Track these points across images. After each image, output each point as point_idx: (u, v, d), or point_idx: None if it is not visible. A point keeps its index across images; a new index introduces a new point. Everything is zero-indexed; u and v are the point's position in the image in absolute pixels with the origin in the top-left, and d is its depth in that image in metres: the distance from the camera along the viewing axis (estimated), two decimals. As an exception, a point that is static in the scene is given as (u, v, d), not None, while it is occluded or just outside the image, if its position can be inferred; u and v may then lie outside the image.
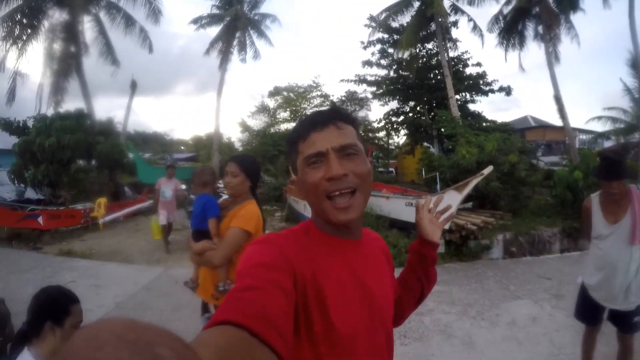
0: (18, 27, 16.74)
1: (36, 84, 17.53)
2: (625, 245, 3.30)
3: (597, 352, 3.91)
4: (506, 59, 21.81)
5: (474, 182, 8.21)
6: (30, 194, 15.33)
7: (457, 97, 22.14)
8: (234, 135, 46.30)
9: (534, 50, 25.43)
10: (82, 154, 15.81)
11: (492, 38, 20.00)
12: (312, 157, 1.11)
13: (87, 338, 0.35)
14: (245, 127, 30.36)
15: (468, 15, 20.11)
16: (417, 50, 23.88)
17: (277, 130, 30.66)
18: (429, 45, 24.25)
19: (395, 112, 27.88)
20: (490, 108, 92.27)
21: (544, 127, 36.69)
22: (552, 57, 18.53)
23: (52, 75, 17.48)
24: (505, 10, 19.92)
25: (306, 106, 32.98)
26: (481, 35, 20.32)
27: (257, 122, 32.23)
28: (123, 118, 22.75)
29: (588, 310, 3.70)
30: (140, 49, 20.56)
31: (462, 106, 23.78)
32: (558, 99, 17.76)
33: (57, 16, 17.61)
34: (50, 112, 16.68)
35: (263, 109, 32.97)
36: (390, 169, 31.71)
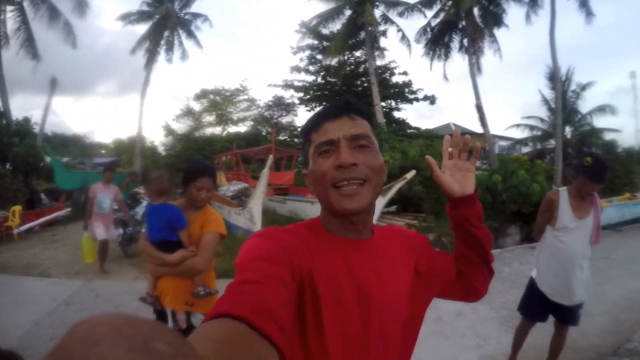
0: None
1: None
2: (586, 242, 3.51)
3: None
4: (431, 69, 22.65)
5: (397, 186, 8.42)
6: None
7: (383, 104, 22.74)
8: (157, 139, 45.19)
9: (458, 61, 26.59)
10: (-5, 156, 14.64)
11: (419, 48, 20.63)
12: (323, 145, 1.09)
13: (83, 333, 0.35)
14: (169, 131, 29.64)
15: (397, 26, 20.73)
16: (346, 58, 24.32)
17: (202, 134, 30.21)
18: (357, 53, 24.80)
19: (322, 118, 28.17)
20: (415, 115, 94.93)
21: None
22: (475, 69, 19.56)
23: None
24: (433, 23, 20.78)
25: (232, 110, 32.72)
26: (409, 45, 20.98)
27: (181, 126, 31.66)
28: (41, 118, 21.54)
29: (535, 306, 3.80)
30: (63, 44, 19.59)
31: (388, 113, 24.48)
32: (479, 108, 18.70)
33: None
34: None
35: (188, 112, 32.42)
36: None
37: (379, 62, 23.88)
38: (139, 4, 23.42)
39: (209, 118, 32.78)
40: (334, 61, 22.18)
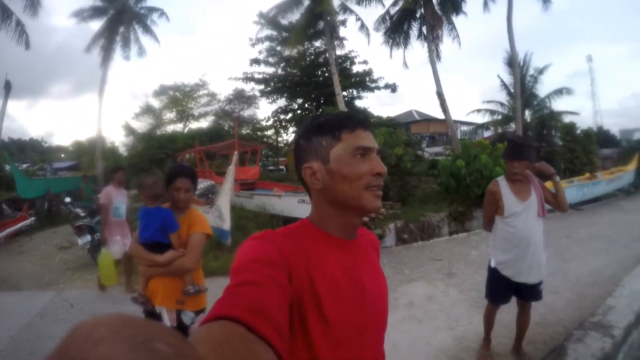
0: None
1: None
2: (535, 219, 3.65)
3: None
4: (391, 57, 22.74)
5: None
6: None
7: (344, 93, 22.83)
8: (118, 139, 44.37)
9: (417, 48, 26.82)
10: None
11: (378, 37, 20.68)
12: (361, 149, 1.16)
13: (85, 333, 0.35)
14: (130, 130, 29.16)
15: (356, 15, 20.63)
16: (305, 48, 24.27)
17: (164, 132, 29.77)
18: (317, 43, 24.71)
19: (284, 110, 28.12)
20: (376, 103, 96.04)
21: (427, 120, 38.83)
22: (435, 56, 19.69)
23: None
24: (392, 11, 20.82)
25: (193, 105, 32.36)
26: (368, 34, 20.93)
27: (142, 124, 31.16)
28: (-4, 124, 20.87)
29: (501, 291, 3.93)
30: (15, 45, 18.59)
31: (349, 102, 24.59)
32: (440, 95, 18.89)
33: None
34: None
35: (148, 109, 31.92)
36: (281, 167, 31.71)
37: (339, 52, 23.84)
38: (92, -1, 22.60)
39: (170, 115, 32.39)
40: (293, 52, 22.07)
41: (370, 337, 1.16)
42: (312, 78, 25.54)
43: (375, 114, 24.56)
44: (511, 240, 3.70)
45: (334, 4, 18.76)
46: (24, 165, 26.22)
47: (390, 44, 21.40)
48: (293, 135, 29.05)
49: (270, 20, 22.05)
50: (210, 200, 10.36)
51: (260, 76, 26.57)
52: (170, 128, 31.73)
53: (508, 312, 4.35)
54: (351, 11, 20.71)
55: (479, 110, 25.68)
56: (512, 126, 22.02)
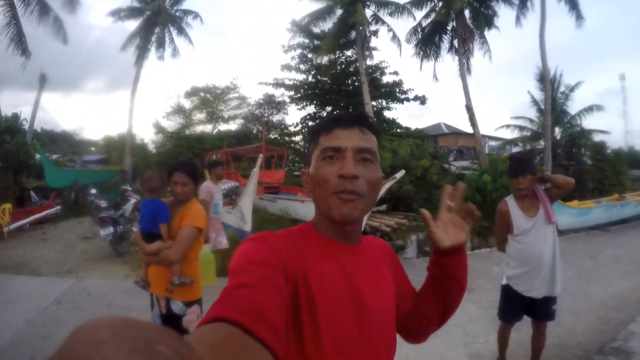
0: None
1: None
2: (545, 232, 3.64)
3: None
4: (421, 69, 22.65)
5: (388, 185, 8.44)
6: None
7: (374, 103, 22.78)
8: (147, 136, 44.79)
9: (448, 61, 26.68)
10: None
11: (409, 48, 20.69)
12: (330, 150, 1.12)
13: (86, 335, 0.35)
14: (160, 129, 29.35)
15: (388, 25, 20.67)
16: (336, 57, 24.32)
17: (193, 132, 30.00)
18: (348, 53, 24.71)
19: (312, 117, 28.11)
20: (405, 114, 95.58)
21: (456, 133, 38.53)
22: (465, 69, 19.59)
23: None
24: (424, 23, 20.82)
25: (223, 108, 32.56)
26: (399, 45, 20.94)
27: (172, 124, 31.36)
28: (30, 114, 21.35)
29: (513, 309, 3.94)
30: (52, 40, 19.30)
31: (378, 112, 24.51)
32: (469, 108, 18.77)
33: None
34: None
35: (179, 109, 32.18)
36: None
37: (369, 62, 23.91)
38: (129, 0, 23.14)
39: (200, 116, 32.60)
40: (324, 60, 22.18)
41: (373, 346, 1.09)
42: (342, 87, 25.57)
43: (404, 125, 24.45)
44: (523, 257, 3.72)
45: (366, 14, 18.78)
46: (55, 156, 26.56)
47: (421, 56, 21.39)
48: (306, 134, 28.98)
49: (302, 28, 22.18)
50: (234, 201, 10.44)
51: (291, 82, 26.69)
52: (199, 129, 31.87)
53: (526, 332, 4.28)
54: (383, 22, 20.75)
55: (508, 126, 25.38)
56: (542, 143, 21.67)
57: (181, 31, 24.07)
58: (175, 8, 24.03)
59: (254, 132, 30.80)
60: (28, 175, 16.73)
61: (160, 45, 23.82)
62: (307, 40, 24.44)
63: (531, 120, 24.50)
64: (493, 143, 37.18)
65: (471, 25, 19.30)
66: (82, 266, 8.33)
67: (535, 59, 19.70)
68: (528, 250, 3.67)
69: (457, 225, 1.27)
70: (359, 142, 1.13)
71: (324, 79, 25.41)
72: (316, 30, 22.23)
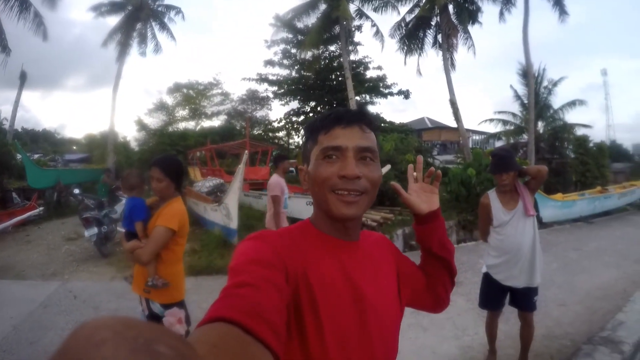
0: None
1: None
2: (524, 223, 3.76)
3: (498, 331, 4.23)
4: (405, 64, 22.67)
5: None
6: None
7: (357, 98, 22.84)
8: (130, 134, 44.34)
9: (432, 56, 26.81)
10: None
11: (393, 43, 20.75)
12: (330, 149, 1.10)
13: (86, 335, 0.34)
14: (142, 126, 29.08)
15: (372, 20, 20.63)
16: (320, 52, 24.30)
17: (176, 129, 29.83)
18: (332, 48, 24.80)
19: (296, 112, 28.27)
20: (389, 109, 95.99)
21: (439, 128, 38.80)
22: (449, 64, 19.64)
23: None
24: (408, 18, 20.82)
25: (206, 104, 32.43)
26: (382, 40, 20.93)
27: (154, 120, 31.18)
28: (10, 114, 21.01)
29: (493, 297, 4.02)
30: (32, 36, 18.85)
31: (362, 107, 24.49)
32: (453, 103, 18.85)
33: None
34: None
35: (161, 106, 31.99)
36: (291, 169, 31.77)
37: (353, 57, 23.91)
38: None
39: (182, 112, 32.44)
40: (308, 55, 22.11)
41: (374, 342, 1.09)
42: (326, 82, 25.64)
43: (388, 120, 24.51)
44: (502, 247, 3.85)
45: (350, 9, 18.76)
46: (36, 156, 26.16)
47: (404, 51, 21.40)
48: (304, 131, 29.14)
49: (286, 23, 22.11)
50: (219, 198, 10.37)
51: (274, 78, 26.79)
52: (182, 125, 31.74)
53: (515, 323, 4.32)
54: (367, 17, 20.73)
55: (491, 120, 25.52)
56: (525, 137, 21.86)
57: (163, 27, 23.84)
58: (157, 3, 23.82)
59: (238, 128, 30.73)
60: (9, 177, 16.33)
61: (142, 41, 23.54)
62: (290, 35, 24.51)
63: (514, 115, 24.67)
64: (477, 137, 37.50)
65: (455, 21, 19.36)
66: (67, 268, 8.17)
67: (519, 54, 19.91)
68: (507, 241, 3.80)
69: (427, 190, 1.38)
70: (360, 142, 1.12)
71: (307, 74, 25.42)
72: (300, 25, 22.17)
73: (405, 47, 21.28)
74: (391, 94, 25.61)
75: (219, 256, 8.07)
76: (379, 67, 25.47)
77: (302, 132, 28.62)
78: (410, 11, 20.58)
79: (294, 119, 28.49)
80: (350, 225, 1.16)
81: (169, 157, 3.41)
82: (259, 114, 32.51)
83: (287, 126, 29.14)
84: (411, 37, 21.07)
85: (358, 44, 24.50)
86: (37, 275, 7.79)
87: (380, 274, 1.21)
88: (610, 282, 6.84)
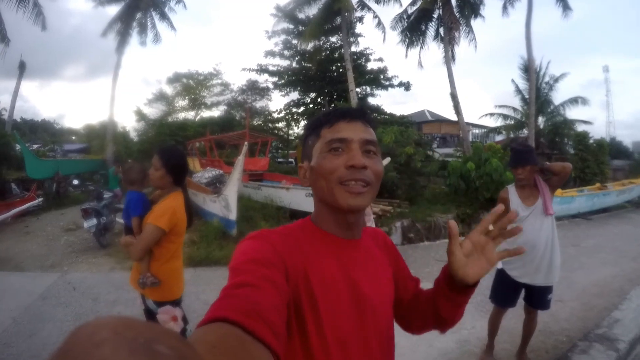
0: None
1: None
2: (542, 222, 3.75)
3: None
4: (407, 56, 22.60)
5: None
6: None
7: (358, 90, 22.73)
8: (129, 124, 44.18)
9: (433, 49, 26.76)
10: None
11: (394, 35, 20.66)
12: (336, 141, 1.11)
13: (85, 335, 0.34)
14: (141, 116, 28.84)
15: (374, 12, 20.55)
16: (321, 43, 24.20)
17: (175, 119, 29.70)
18: (333, 39, 24.69)
19: (296, 103, 28.17)
20: (389, 101, 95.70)
21: (440, 121, 38.76)
22: (450, 57, 19.57)
23: None
24: (410, 10, 20.73)
25: (205, 94, 32.30)
26: (384, 32, 20.84)
27: (154, 111, 31.01)
28: (9, 104, 20.96)
29: (507, 293, 4.01)
30: (31, 26, 18.69)
31: (362, 99, 24.51)
32: (454, 96, 18.82)
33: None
34: None
35: (161, 96, 31.85)
36: (290, 160, 31.68)
37: (354, 49, 23.84)
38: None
39: (182, 103, 32.31)
40: (309, 46, 21.99)
41: (373, 341, 1.10)
42: (327, 73, 25.54)
43: (388, 112, 24.43)
44: (516, 243, 3.69)
45: (352, 0, 18.67)
46: (35, 146, 26.00)
47: (406, 43, 21.33)
48: (304, 128, 29.11)
49: (287, 13, 22.02)
50: (218, 189, 10.35)
51: (275, 68, 26.65)
52: (181, 115, 31.61)
53: (512, 317, 4.37)
54: (369, 8, 20.64)
55: (492, 114, 25.57)
56: (525, 132, 21.89)
57: (164, 16, 23.54)
58: (157, -8, 23.43)
59: (237, 118, 30.63)
60: (8, 167, 16.21)
61: (142, 30, 23.21)
62: (291, 26, 24.38)
63: (515, 109, 24.73)
64: (477, 131, 37.44)
65: (457, 14, 19.29)
66: (66, 260, 8.14)
67: (521, 48, 19.89)
68: (523, 238, 3.70)
69: (484, 252, 1.10)
70: (364, 135, 1.13)
71: (308, 65, 25.30)
72: (301, 15, 22.12)
73: (407, 40, 21.22)
74: (392, 85, 25.50)
75: (218, 247, 8.08)
76: (380, 59, 25.34)
77: (302, 123, 28.65)
78: (413, 3, 20.50)
79: (294, 110, 28.38)
80: (353, 221, 1.15)
81: (172, 149, 3.36)
82: (259, 104, 32.36)
83: (287, 117, 29.03)
84: (413, 29, 20.98)
85: (359, 35, 24.45)
86: (36, 266, 7.77)
87: (380, 273, 1.21)
88: (607, 279, 6.87)
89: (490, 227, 1.10)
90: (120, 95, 55.64)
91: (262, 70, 26.78)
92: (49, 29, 19.11)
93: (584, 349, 3.97)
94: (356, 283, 1.09)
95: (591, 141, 19.10)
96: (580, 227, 11.80)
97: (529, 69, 19.79)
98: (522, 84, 22.97)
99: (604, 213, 14.29)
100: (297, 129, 30.45)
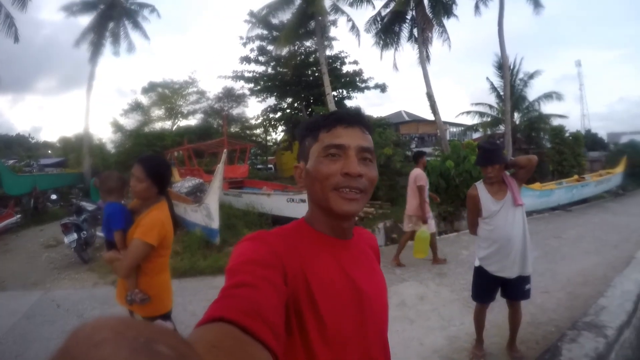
0: None
1: None
2: (514, 215, 3.79)
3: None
4: (381, 58, 22.71)
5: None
6: None
7: (334, 93, 22.78)
8: (105, 135, 43.83)
9: (408, 50, 26.93)
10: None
11: (369, 38, 20.77)
12: (333, 147, 1.12)
13: (86, 335, 0.34)
14: (118, 127, 28.72)
15: (347, 15, 20.55)
16: (296, 48, 24.21)
17: (152, 129, 29.50)
18: (308, 43, 24.66)
19: (273, 109, 28.15)
20: (365, 104, 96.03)
21: (417, 121, 38.89)
22: (425, 58, 19.65)
23: None
24: (383, 13, 20.78)
25: (182, 103, 32.12)
26: (358, 35, 20.87)
27: (130, 121, 30.71)
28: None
29: (486, 289, 4.05)
30: (3, 38, 17.82)
31: (339, 102, 24.56)
32: (430, 96, 18.90)
33: None
34: None
35: (136, 106, 31.57)
36: (269, 166, 31.68)
37: (329, 52, 23.90)
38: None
39: (158, 112, 32.05)
40: (284, 51, 21.95)
41: (371, 339, 1.13)
42: (302, 77, 25.54)
43: (366, 114, 24.54)
44: (492, 238, 3.87)
45: (325, 4, 18.70)
46: (10, 162, 25.57)
47: (380, 45, 21.36)
48: (282, 134, 29.12)
49: (261, 19, 21.94)
50: (199, 198, 10.26)
51: (250, 75, 26.50)
52: (158, 125, 31.36)
53: (499, 311, 4.42)
54: (342, 12, 20.65)
55: (468, 112, 25.74)
56: (502, 128, 22.13)
57: (137, 25, 23.35)
58: (130, 1, 23.35)
59: (215, 126, 30.47)
60: (-16, 185, 15.77)
61: (115, 40, 22.96)
62: (266, 32, 24.29)
63: (491, 106, 24.93)
64: (454, 129, 37.68)
65: (430, 14, 19.35)
66: (48, 277, 7.96)
67: (495, 46, 20.06)
68: (497, 232, 3.82)
69: None
70: (361, 142, 1.14)
71: (283, 70, 25.26)
72: (275, 21, 22.04)
73: (381, 42, 21.25)
74: (368, 88, 25.62)
75: (202, 257, 7.99)
76: (355, 62, 25.46)
77: (279, 129, 28.66)
78: (386, 5, 20.53)
79: (271, 115, 28.32)
80: (347, 225, 1.18)
81: (155, 157, 3.15)
82: (236, 111, 32.22)
83: (264, 123, 28.99)
84: (387, 31, 21.03)
85: (334, 39, 24.53)
86: (18, 285, 7.58)
87: (374, 271, 1.25)
88: (590, 268, 6.95)
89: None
90: (95, 107, 55.03)
91: (237, 77, 26.64)
92: (21, 40, 18.69)
93: (573, 338, 3.99)
94: (354, 280, 1.11)
95: (567, 134, 19.37)
96: (560, 218, 11.95)
97: (503, 67, 20.00)
98: (497, 82, 23.21)
99: (583, 204, 14.53)
100: (275, 135, 30.49)
